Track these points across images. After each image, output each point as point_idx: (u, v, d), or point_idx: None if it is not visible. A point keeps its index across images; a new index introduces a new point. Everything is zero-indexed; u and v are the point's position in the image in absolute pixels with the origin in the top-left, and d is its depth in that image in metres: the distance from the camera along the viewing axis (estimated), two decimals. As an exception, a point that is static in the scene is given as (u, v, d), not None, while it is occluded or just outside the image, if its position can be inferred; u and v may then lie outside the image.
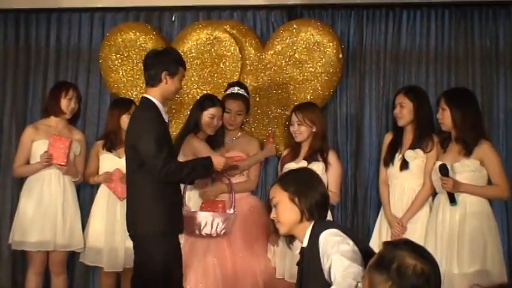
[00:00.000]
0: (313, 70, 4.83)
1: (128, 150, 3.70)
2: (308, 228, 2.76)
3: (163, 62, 3.66)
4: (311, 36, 4.80)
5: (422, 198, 4.19)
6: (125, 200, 4.37)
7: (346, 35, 5.01)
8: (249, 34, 4.96)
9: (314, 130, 4.32)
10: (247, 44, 4.94)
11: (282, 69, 4.89)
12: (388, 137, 4.40)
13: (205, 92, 4.91)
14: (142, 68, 4.81)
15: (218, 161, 3.78)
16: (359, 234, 4.86)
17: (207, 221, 4.03)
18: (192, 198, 4.32)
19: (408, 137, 4.26)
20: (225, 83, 4.90)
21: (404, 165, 4.20)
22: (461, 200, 3.94)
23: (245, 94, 4.51)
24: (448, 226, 3.96)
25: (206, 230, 4.06)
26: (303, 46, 4.82)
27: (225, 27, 4.93)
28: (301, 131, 4.33)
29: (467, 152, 3.98)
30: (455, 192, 3.91)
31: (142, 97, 3.76)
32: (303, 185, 2.79)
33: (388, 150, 4.33)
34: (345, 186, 4.96)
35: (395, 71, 4.94)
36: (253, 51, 4.93)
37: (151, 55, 3.74)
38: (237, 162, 4.25)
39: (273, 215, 2.82)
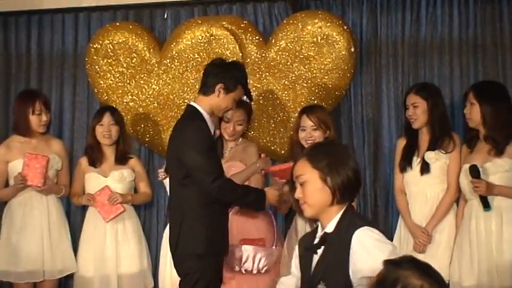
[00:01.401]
0: (322, 67, 4.76)
1: (172, 164, 3.71)
2: (338, 213, 2.64)
3: (224, 73, 3.68)
4: (319, 29, 4.73)
5: (447, 204, 4.10)
6: (112, 222, 4.31)
7: (359, 26, 4.95)
8: (250, 30, 4.90)
9: (327, 135, 4.22)
10: (248, 41, 4.86)
11: (287, 68, 4.82)
12: (401, 143, 4.35)
13: None
14: (134, 72, 4.96)
15: (272, 195, 3.77)
16: None
17: (249, 255, 3.97)
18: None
19: (425, 138, 4.22)
20: None
21: (425, 168, 4.14)
22: (495, 205, 3.87)
23: (247, 101, 4.40)
24: (483, 236, 3.89)
25: (247, 266, 3.99)
26: (310, 41, 4.75)
27: (223, 23, 4.87)
28: (316, 137, 4.19)
29: (499, 151, 3.93)
30: (488, 196, 3.84)
31: (188, 105, 3.76)
32: (335, 161, 2.63)
33: (403, 156, 4.26)
34: (363, 196, 4.88)
35: (415, 65, 4.87)
36: (255, 49, 4.87)
37: (215, 63, 3.78)
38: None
39: (298, 194, 2.66)
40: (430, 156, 4.14)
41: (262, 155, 4.38)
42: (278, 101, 4.87)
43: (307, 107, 4.42)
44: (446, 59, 4.84)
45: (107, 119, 4.67)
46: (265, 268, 4.01)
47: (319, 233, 2.69)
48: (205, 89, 3.71)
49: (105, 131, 4.67)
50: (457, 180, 4.06)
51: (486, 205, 3.83)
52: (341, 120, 4.95)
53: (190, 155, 3.54)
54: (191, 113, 3.69)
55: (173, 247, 3.70)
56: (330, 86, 4.78)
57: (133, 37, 4.97)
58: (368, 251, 2.47)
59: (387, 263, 2.12)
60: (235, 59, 4.73)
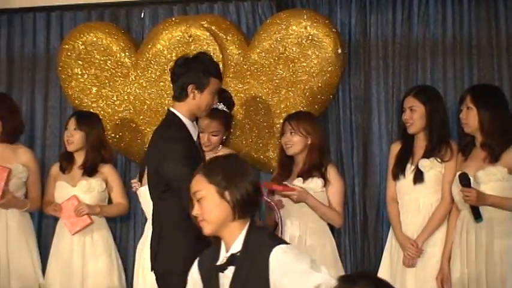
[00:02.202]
0: (308, 70, 4.74)
1: (150, 175, 3.65)
2: (241, 230, 2.67)
3: (190, 72, 3.60)
4: (304, 30, 4.71)
5: (440, 215, 4.07)
6: (78, 235, 4.24)
7: (347, 26, 4.93)
8: (232, 30, 4.88)
9: (309, 142, 4.22)
10: (229, 42, 4.84)
11: (271, 70, 4.80)
12: (395, 147, 4.33)
13: None
14: (108, 75, 4.94)
15: None
16: (371, 262, 4.77)
17: None
18: None
19: (421, 145, 4.19)
20: None
21: (419, 177, 4.12)
22: (487, 216, 3.84)
23: (224, 109, 4.35)
24: (473, 249, 3.86)
25: None
26: (295, 42, 4.73)
27: (203, 23, 4.85)
28: (294, 142, 4.20)
29: (494, 158, 3.91)
30: (479, 206, 3.82)
31: (168, 111, 3.71)
32: (232, 175, 2.66)
33: (397, 162, 4.24)
34: (352, 206, 4.87)
35: (407, 67, 4.86)
36: (236, 51, 4.85)
37: (178, 63, 3.67)
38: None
39: (196, 211, 2.69)
40: (425, 164, 4.11)
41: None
42: (261, 106, 4.84)
43: (290, 114, 4.44)
44: (440, 61, 4.83)
45: (71, 124, 4.64)
46: None
47: (224, 253, 2.70)
48: (178, 94, 3.65)
49: (68, 136, 4.64)
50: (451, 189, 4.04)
51: (477, 216, 3.80)
52: (328, 126, 4.93)
53: (167, 166, 3.49)
54: (168, 121, 3.65)
55: (152, 263, 3.65)
56: (316, 89, 4.75)
57: (108, 38, 4.95)
58: (292, 271, 2.52)
59: (342, 278, 2.13)
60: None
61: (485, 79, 4.71)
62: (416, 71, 4.85)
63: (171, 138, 3.53)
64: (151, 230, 4.00)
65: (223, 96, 4.37)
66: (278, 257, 2.57)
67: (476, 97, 3.99)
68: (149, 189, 3.69)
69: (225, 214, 2.65)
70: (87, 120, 4.67)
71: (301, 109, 4.66)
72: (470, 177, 3.84)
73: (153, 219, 3.68)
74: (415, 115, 4.17)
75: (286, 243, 2.67)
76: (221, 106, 4.30)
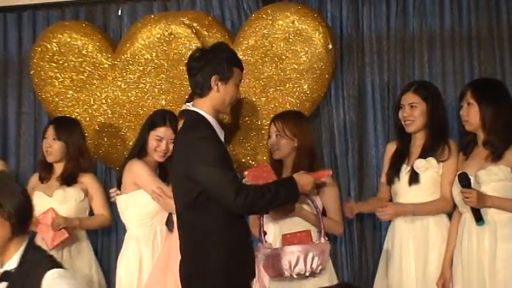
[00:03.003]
0: (296, 67, 4.73)
1: (178, 185, 3.55)
2: (19, 247, 2.76)
3: (213, 62, 3.49)
4: (291, 24, 4.70)
5: (432, 205, 4.06)
6: (56, 249, 4.20)
7: (338, 20, 4.93)
8: (215, 27, 4.87)
9: (296, 144, 4.18)
10: (213, 40, 4.77)
11: (257, 68, 4.79)
12: (391, 147, 4.32)
13: (163, 103, 4.86)
14: (85, 78, 4.91)
15: (305, 180, 3.61)
16: (369, 271, 4.75)
17: (299, 256, 3.82)
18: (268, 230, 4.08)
19: (418, 144, 4.18)
20: (188, 91, 4.65)
21: (414, 178, 4.09)
22: (489, 219, 3.83)
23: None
24: (475, 254, 3.85)
25: (299, 269, 3.84)
26: (282, 37, 4.72)
27: (184, 19, 4.83)
28: (280, 145, 4.16)
29: (496, 156, 3.89)
30: (481, 208, 3.80)
31: (189, 111, 3.60)
32: (3, 190, 2.76)
33: (392, 163, 4.22)
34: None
35: (403, 62, 4.86)
36: None
37: (197, 56, 3.56)
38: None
39: None
40: (420, 164, 4.08)
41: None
42: (248, 107, 4.82)
43: (277, 114, 4.41)
44: (438, 54, 4.83)
45: (49, 133, 4.61)
46: (319, 268, 3.88)
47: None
48: (200, 89, 3.52)
49: (47, 146, 4.61)
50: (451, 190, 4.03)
51: (478, 218, 3.79)
52: (321, 126, 4.93)
53: (203, 170, 3.39)
54: (194, 122, 3.53)
55: (186, 282, 3.54)
56: (307, 88, 4.73)
57: (84, 38, 4.94)
58: None
59: None
60: None
61: (487, 72, 4.71)
62: (413, 66, 4.85)
63: (203, 139, 3.44)
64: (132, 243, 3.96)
65: None
66: (50, 281, 2.64)
67: (478, 92, 3.97)
68: (177, 201, 3.58)
69: (4, 232, 2.73)
70: (67, 128, 4.65)
71: (291, 109, 4.64)
72: (471, 177, 3.83)
73: (183, 234, 3.56)
74: (416, 112, 4.13)
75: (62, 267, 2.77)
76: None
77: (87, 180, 4.66)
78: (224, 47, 3.63)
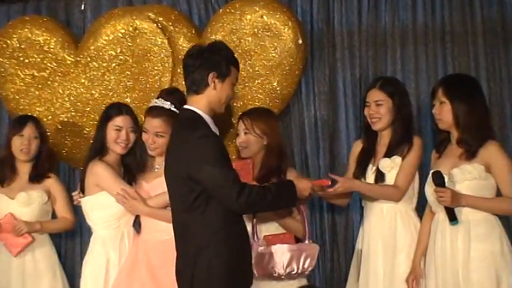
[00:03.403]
0: (265, 63, 4.73)
1: (176, 185, 3.53)
2: None
3: (211, 60, 3.51)
4: (260, 19, 4.71)
5: (385, 189, 4.05)
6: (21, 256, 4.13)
7: (309, 14, 4.94)
8: (181, 21, 4.86)
9: (265, 143, 4.15)
10: (179, 35, 4.83)
11: None
12: (357, 146, 4.31)
13: (128, 101, 4.82)
14: (47, 75, 4.88)
15: (304, 185, 3.64)
16: (342, 272, 4.77)
17: (293, 256, 3.84)
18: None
19: (384, 143, 4.17)
20: (154, 88, 4.78)
21: (380, 178, 4.09)
22: (463, 218, 3.82)
23: (171, 108, 4.23)
24: (449, 255, 3.84)
25: (291, 269, 3.85)
26: (251, 32, 4.73)
27: (149, 14, 4.82)
28: (249, 143, 4.13)
29: (470, 154, 3.88)
30: (455, 207, 3.80)
31: (183, 109, 3.60)
32: None
33: (358, 163, 4.20)
34: (319, 211, 4.84)
35: (375, 57, 4.89)
36: (187, 44, 4.77)
37: (194, 52, 3.58)
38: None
39: None
40: (385, 164, 4.08)
41: None
42: (216, 104, 4.77)
43: (246, 111, 4.38)
44: (411, 50, 4.85)
45: (29, 130, 4.55)
46: (309, 269, 3.91)
47: None
48: (196, 86, 3.52)
49: (24, 144, 4.54)
50: (407, 183, 4.05)
51: (452, 218, 3.79)
52: (291, 124, 4.94)
53: (205, 169, 3.38)
54: (191, 120, 3.51)
55: (188, 285, 3.50)
56: (276, 84, 4.73)
57: (45, 33, 4.89)
58: None
59: None
60: (163, 55, 4.81)
61: (461, 68, 4.75)
62: (385, 62, 4.87)
63: (204, 138, 3.43)
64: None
65: (176, 96, 4.28)
66: None
67: (449, 89, 3.95)
68: (173, 203, 3.57)
69: None
70: (42, 126, 4.66)
71: (260, 106, 4.61)
72: (445, 176, 3.82)
73: (183, 236, 3.53)
74: (382, 109, 4.11)
75: None
76: (168, 105, 4.17)
77: (50, 181, 4.61)
78: (223, 46, 3.65)
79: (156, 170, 4.24)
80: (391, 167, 4.06)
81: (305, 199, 3.77)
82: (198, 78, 3.50)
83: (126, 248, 4.21)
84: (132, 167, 4.26)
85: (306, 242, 3.91)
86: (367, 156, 4.18)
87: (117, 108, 4.31)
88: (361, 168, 4.16)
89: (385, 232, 4.05)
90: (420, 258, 3.98)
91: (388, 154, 4.09)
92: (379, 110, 4.11)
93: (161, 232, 4.09)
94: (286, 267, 3.84)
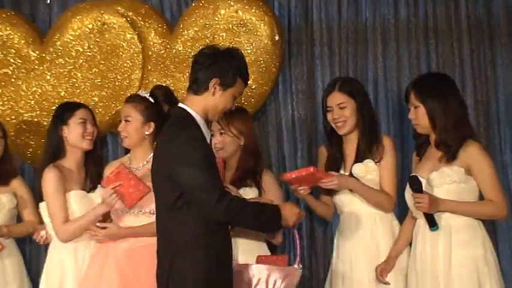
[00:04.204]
0: None
1: (159, 185, 3.51)
2: None
3: (219, 65, 3.46)
4: (235, 14, 4.74)
5: (379, 195, 4.01)
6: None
7: (286, 9, 4.94)
8: (152, 16, 4.88)
9: (242, 143, 4.11)
10: (149, 30, 4.88)
11: None
12: (322, 153, 4.27)
13: (96, 99, 4.86)
14: (10, 72, 4.88)
15: (290, 212, 3.53)
16: (320, 279, 4.76)
17: (261, 277, 3.74)
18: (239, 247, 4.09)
19: (351, 147, 4.13)
20: (123, 86, 4.81)
21: None
22: (443, 224, 3.79)
23: (146, 96, 4.18)
24: (429, 261, 3.82)
25: None
26: (225, 28, 4.75)
27: (118, 8, 4.85)
28: (226, 144, 4.08)
29: (450, 157, 3.83)
30: (434, 213, 3.77)
31: (176, 108, 3.58)
32: None
33: (326, 171, 4.12)
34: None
35: (355, 54, 4.90)
36: (158, 39, 4.85)
37: (205, 52, 3.54)
38: None
39: None
40: (359, 170, 4.04)
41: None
42: (187, 102, 4.75)
43: None
44: (393, 47, 4.87)
45: None
46: None
47: None
48: (196, 86, 3.46)
49: None
50: (395, 188, 4.05)
51: (432, 224, 3.76)
52: (268, 124, 4.93)
53: (186, 171, 3.34)
54: (181, 119, 3.47)
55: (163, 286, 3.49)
56: (252, 82, 4.62)
57: (9, 28, 4.88)
58: None
59: None
60: (133, 51, 4.82)
61: (445, 66, 4.79)
62: (366, 59, 4.88)
63: (190, 139, 3.38)
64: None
65: (162, 90, 4.24)
66: None
67: (421, 92, 3.89)
68: (157, 201, 3.54)
69: None
70: (3, 126, 4.59)
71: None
72: (423, 180, 3.79)
73: (161, 238, 3.51)
74: (347, 112, 4.07)
75: None
76: (143, 93, 4.17)
77: (16, 183, 4.56)
78: (238, 55, 3.58)
79: (136, 170, 4.17)
80: (366, 172, 4.04)
81: (293, 225, 3.69)
82: (201, 79, 3.46)
83: (84, 259, 4.17)
84: (97, 163, 4.26)
85: (295, 265, 3.80)
86: (335, 163, 4.13)
87: (72, 104, 4.31)
88: None
89: (367, 239, 4.03)
90: (396, 252, 3.96)
91: (359, 159, 4.07)
92: (344, 113, 4.07)
93: (134, 239, 4.05)
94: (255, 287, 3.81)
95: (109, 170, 4.18)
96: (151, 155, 4.13)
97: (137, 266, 3.96)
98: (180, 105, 3.54)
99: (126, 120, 4.12)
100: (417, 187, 3.74)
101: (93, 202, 4.15)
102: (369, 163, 4.05)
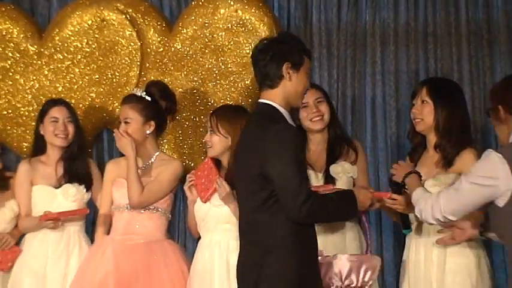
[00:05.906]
0: (239, 60, 4.75)
1: (247, 183, 3.43)
2: None
3: (282, 50, 3.41)
4: (234, 13, 4.73)
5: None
6: None
7: (286, 10, 4.96)
8: (152, 13, 4.89)
9: (230, 143, 4.06)
10: (148, 28, 4.85)
11: (196, 60, 4.81)
12: None
13: (93, 95, 4.88)
14: (8, 66, 4.89)
15: (364, 196, 3.53)
16: None
17: (352, 267, 3.76)
18: None
19: (321, 147, 4.20)
20: (121, 83, 4.82)
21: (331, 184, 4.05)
22: (437, 232, 3.78)
23: (142, 95, 4.24)
24: (422, 267, 3.85)
25: (349, 281, 3.79)
26: (224, 27, 4.74)
27: (117, 5, 4.84)
28: (213, 143, 4.06)
29: (446, 163, 3.86)
30: (408, 213, 3.80)
31: (258, 103, 3.47)
32: None
33: None
34: None
35: (354, 57, 4.91)
36: (157, 37, 4.85)
37: (263, 46, 3.46)
38: None
39: None
40: (336, 170, 4.10)
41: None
42: (186, 102, 4.82)
43: (217, 108, 4.32)
44: (392, 51, 4.88)
45: None
46: (370, 283, 3.82)
47: None
48: (270, 80, 3.40)
49: None
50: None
51: (406, 226, 3.80)
52: None
53: (279, 168, 3.27)
54: (269, 113, 3.39)
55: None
56: (249, 82, 4.73)
57: (8, 22, 4.90)
58: None
59: None
60: (132, 48, 4.84)
61: (443, 71, 4.78)
62: (364, 62, 4.90)
63: (284, 130, 3.32)
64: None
65: (157, 86, 4.33)
66: None
67: (434, 90, 3.91)
68: (242, 201, 3.50)
69: None
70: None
71: (230, 104, 4.61)
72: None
73: (249, 237, 3.45)
74: (323, 107, 4.17)
75: None
76: (139, 92, 4.21)
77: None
78: (291, 36, 3.63)
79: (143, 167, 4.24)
80: (343, 173, 4.09)
81: (366, 210, 3.72)
82: (272, 71, 3.40)
83: (65, 248, 4.28)
84: (73, 159, 4.34)
85: (367, 254, 3.87)
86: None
87: (51, 102, 4.42)
88: None
89: (343, 243, 4.13)
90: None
91: (332, 159, 4.13)
92: (320, 107, 4.15)
93: (138, 235, 4.16)
94: (345, 280, 3.78)
95: (112, 166, 4.28)
96: (157, 153, 4.27)
97: (137, 264, 4.09)
98: (262, 100, 3.44)
99: (126, 122, 4.16)
100: (396, 188, 3.73)
101: (57, 198, 4.25)
102: (345, 165, 4.11)
